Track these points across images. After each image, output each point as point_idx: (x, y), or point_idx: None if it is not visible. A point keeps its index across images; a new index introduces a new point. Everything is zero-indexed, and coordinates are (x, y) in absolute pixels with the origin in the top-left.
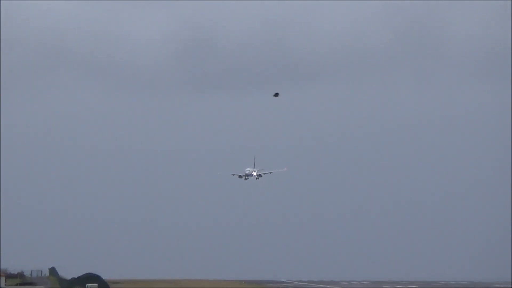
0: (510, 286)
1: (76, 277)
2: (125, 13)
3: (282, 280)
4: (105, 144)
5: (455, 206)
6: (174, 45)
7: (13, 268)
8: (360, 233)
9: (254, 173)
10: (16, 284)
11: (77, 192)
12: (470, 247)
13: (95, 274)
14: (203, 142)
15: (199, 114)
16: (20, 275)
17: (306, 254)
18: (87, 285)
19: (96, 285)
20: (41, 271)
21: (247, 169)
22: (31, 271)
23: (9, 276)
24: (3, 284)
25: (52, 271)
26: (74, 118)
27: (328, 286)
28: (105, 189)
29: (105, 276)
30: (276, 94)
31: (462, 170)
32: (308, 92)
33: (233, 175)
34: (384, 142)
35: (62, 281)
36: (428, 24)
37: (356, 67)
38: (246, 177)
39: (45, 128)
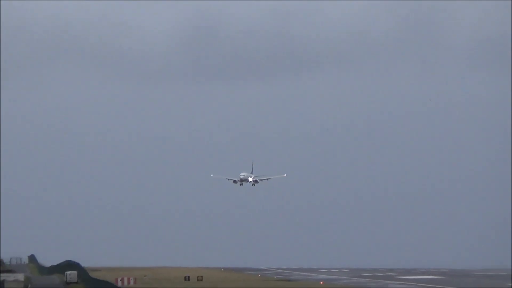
0: (491, 273)
1: (55, 264)
2: (131, 3)
3: (261, 267)
4: (96, 135)
5: (447, 196)
6: (178, 36)
7: None
8: (341, 222)
9: (250, 179)
10: None
11: (59, 182)
12: (455, 235)
13: (74, 262)
14: (202, 135)
15: (202, 105)
16: None
17: (285, 243)
18: (66, 272)
19: (75, 272)
20: (21, 259)
21: (242, 173)
22: (11, 258)
23: None
24: None
25: (32, 258)
26: (77, 107)
27: (307, 274)
28: (87, 178)
29: (84, 264)
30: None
31: (459, 158)
32: (311, 81)
33: (228, 179)
34: (385, 131)
35: (41, 268)
36: (432, 14)
37: (360, 56)
38: (241, 182)
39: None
